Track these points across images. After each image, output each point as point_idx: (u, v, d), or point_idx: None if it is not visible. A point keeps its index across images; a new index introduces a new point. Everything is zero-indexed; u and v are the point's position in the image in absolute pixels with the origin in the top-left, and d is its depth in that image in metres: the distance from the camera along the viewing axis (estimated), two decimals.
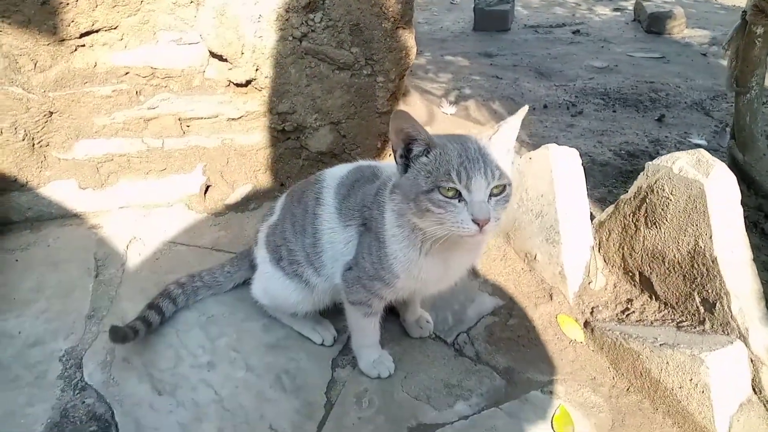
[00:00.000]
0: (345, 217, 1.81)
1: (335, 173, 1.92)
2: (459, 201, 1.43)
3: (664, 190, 1.94)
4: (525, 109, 1.53)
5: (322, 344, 2.08)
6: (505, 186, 1.47)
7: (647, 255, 2.07)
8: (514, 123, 1.52)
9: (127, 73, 2.57)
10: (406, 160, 1.53)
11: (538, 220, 2.37)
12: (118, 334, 1.92)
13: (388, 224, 1.66)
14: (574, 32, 7.09)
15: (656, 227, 2.01)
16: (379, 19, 2.58)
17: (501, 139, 1.51)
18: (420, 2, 8.45)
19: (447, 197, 1.43)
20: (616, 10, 8.23)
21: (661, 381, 1.83)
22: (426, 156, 1.49)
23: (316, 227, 1.86)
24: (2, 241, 2.51)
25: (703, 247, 1.83)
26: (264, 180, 2.85)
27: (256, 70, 2.59)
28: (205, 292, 2.23)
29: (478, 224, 1.40)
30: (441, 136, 1.53)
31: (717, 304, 1.81)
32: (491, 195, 1.44)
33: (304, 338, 2.10)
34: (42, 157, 2.58)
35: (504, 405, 1.87)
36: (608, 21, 7.68)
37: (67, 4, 2.38)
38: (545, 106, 4.65)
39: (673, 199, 1.92)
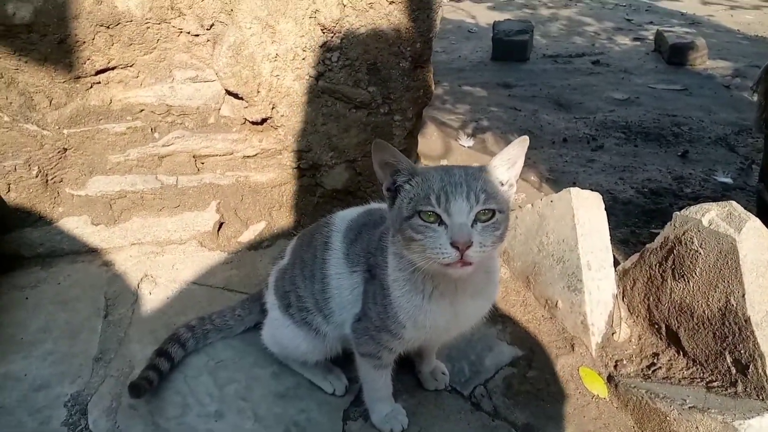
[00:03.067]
0: (352, 263, 1.75)
1: (345, 216, 1.88)
2: (439, 225, 1.37)
3: (693, 242, 1.86)
4: (524, 139, 1.47)
5: (333, 394, 2.01)
6: (494, 212, 1.39)
7: (674, 308, 1.98)
8: (510, 152, 1.47)
9: (142, 111, 2.55)
10: (393, 193, 1.49)
11: (560, 265, 2.29)
12: (137, 390, 1.87)
13: (390, 268, 1.60)
14: (593, 62, 7.04)
15: (684, 280, 1.92)
16: (397, 58, 2.54)
17: (493, 168, 1.47)
18: (437, 31, 8.46)
19: (427, 222, 1.37)
20: (636, 39, 8.18)
21: None
22: (409, 184, 1.45)
23: (324, 272, 1.80)
24: (13, 278, 2.48)
25: (735, 305, 1.74)
26: (278, 217, 2.81)
27: (272, 108, 2.56)
28: (215, 336, 2.18)
29: (458, 248, 1.33)
30: (431, 167, 1.49)
31: (750, 366, 1.72)
32: (477, 221, 1.37)
33: (315, 387, 2.03)
34: (55, 194, 2.57)
35: None
36: (628, 51, 7.62)
37: (84, 42, 2.37)
38: (565, 140, 4.58)
39: (702, 253, 1.84)
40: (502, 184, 1.49)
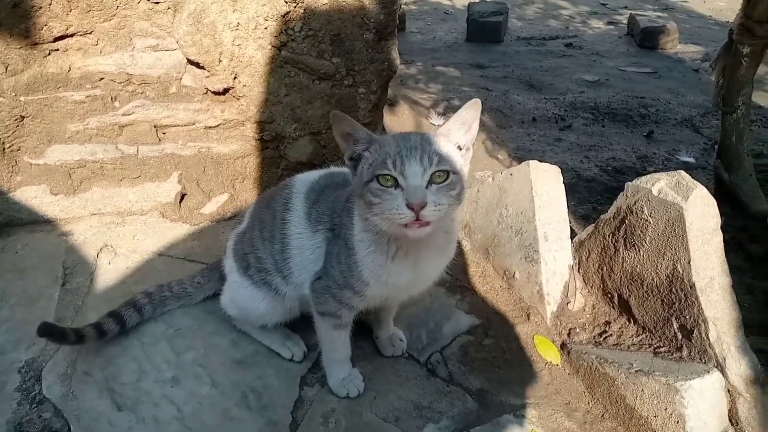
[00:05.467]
0: (314, 223, 1.78)
1: (305, 179, 1.90)
2: (395, 188, 1.43)
3: (643, 211, 1.90)
4: (476, 102, 1.50)
5: (291, 359, 2.02)
6: (448, 173, 1.44)
7: (626, 277, 2.02)
8: (463, 115, 1.50)
9: (101, 79, 2.51)
10: (354, 161, 1.54)
11: (518, 237, 2.32)
12: (51, 332, 1.86)
13: (356, 229, 1.64)
14: (566, 45, 7.08)
15: (635, 249, 1.96)
16: (361, 29, 2.54)
17: (447, 131, 1.51)
18: (413, 11, 8.43)
19: (385, 186, 1.43)
20: (610, 23, 8.23)
21: (636, 409, 1.78)
22: (368, 151, 1.50)
23: (284, 233, 1.82)
24: None
25: (681, 272, 1.78)
26: (241, 190, 2.80)
27: (234, 78, 2.54)
28: (174, 303, 2.17)
29: (413, 209, 1.38)
30: (390, 134, 1.52)
31: (695, 331, 1.77)
32: (432, 182, 1.42)
33: (272, 355, 2.04)
34: (13, 162, 2.52)
35: (475, 429, 1.81)
36: (602, 34, 7.68)
37: (40, 7, 2.33)
38: (534, 119, 4.62)
39: (651, 222, 1.87)
40: (460, 149, 1.53)
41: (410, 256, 1.62)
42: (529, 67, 6.10)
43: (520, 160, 3.74)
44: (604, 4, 9.24)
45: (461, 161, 1.52)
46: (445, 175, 1.43)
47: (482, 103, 1.51)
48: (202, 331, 2.12)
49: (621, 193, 2.02)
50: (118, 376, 1.93)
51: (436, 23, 8.10)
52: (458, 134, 1.52)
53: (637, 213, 1.93)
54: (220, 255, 2.30)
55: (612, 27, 8.07)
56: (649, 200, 1.88)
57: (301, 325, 2.05)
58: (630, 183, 2.00)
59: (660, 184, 1.87)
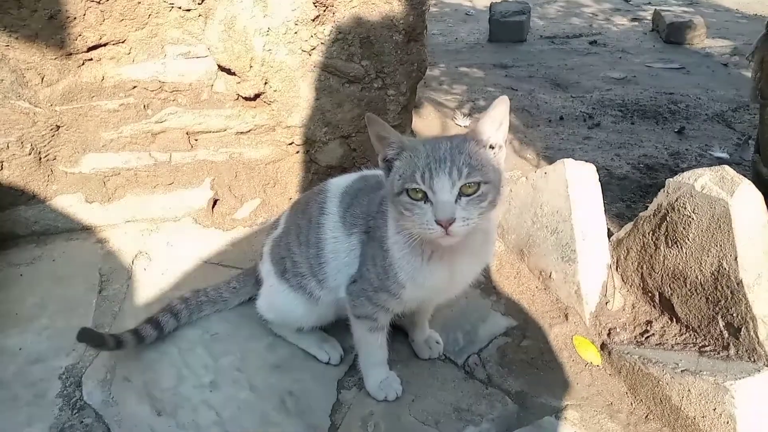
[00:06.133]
0: (349, 226, 1.78)
1: (339, 183, 1.90)
2: (425, 202, 1.42)
3: (685, 208, 1.86)
4: (504, 99, 1.46)
5: (328, 363, 2.02)
6: (479, 184, 1.41)
7: (668, 275, 1.98)
8: (494, 114, 1.47)
9: (134, 87, 2.54)
10: (388, 163, 1.53)
11: (554, 237, 2.29)
12: (91, 338, 1.88)
13: (390, 231, 1.64)
14: (591, 43, 7.00)
15: (677, 247, 1.92)
16: (390, 31, 2.53)
17: (479, 133, 1.48)
18: (435, 13, 8.41)
19: (414, 199, 1.43)
20: (634, 20, 8.13)
21: (682, 409, 1.74)
22: (399, 159, 1.49)
23: (319, 237, 1.82)
24: (8, 255, 2.49)
25: (727, 269, 1.74)
26: (272, 194, 2.80)
27: (265, 83, 2.55)
28: (210, 308, 2.18)
29: (441, 225, 1.38)
30: (424, 139, 1.51)
31: (742, 329, 1.72)
32: (462, 194, 1.40)
33: (309, 358, 2.04)
34: (49, 171, 2.56)
35: (516, 431, 1.79)
36: (626, 31, 7.58)
37: (75, 18, 2.36)
38: (561, 118, 4.56)
39: (695, 218, 1.83)
40: (492, 147, 1.50)
41: (445, 259, 1.61)
42: (554, 66, 6.04)
43: (549, 160, 3.70)
44: (626, 1, 9.13)
45: (494, 164, 1.49)
46: (476, 186, 1.41)
47: (508, 102, 1.48)
48: (238, 335, 2.13)
49: (662, 190, 1.98)
50: (157, 381, 1.94)
51: (457, 24, 8.07)
52: (490, 133, 1.49)
53: (679, 209, 1.89)
54: (253, 260, 2.32)
55: (636, 23, 7.96)
56: (692, 196, 1.84)
57: (336, 328, 2.04)
58: (671, 179, 1.96)
59: (703, 179, 1.82)
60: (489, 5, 7.54)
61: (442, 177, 1.39)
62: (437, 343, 2.06)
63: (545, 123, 4.48)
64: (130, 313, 2.20)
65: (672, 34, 6.90)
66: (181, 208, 2.69)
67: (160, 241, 2.59)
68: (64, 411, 1.83)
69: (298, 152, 2.76)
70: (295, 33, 2.48)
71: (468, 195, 1.41)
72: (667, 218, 1.95)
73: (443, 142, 1.47)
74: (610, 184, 3.40)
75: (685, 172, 1.94)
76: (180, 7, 2.46)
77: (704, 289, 1.85)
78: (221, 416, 1.82)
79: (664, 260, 1.99)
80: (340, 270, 1.80)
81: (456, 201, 1.40)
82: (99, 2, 2.38)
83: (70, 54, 2.44)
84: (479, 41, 7.18)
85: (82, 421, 1.80)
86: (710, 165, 3.66)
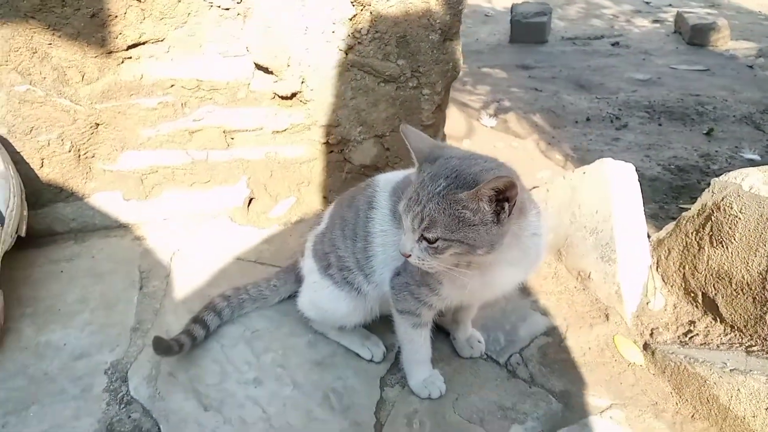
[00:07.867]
0: (398, 220, 1.77)
1: (389, 178, 1.90)
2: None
3: (732, 207, 1.85)
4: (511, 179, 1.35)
5: (371, 360, 2.02)
6: (436, 239, 1.42)
7: (712, 275, 1.97)
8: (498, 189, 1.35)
9: (172, 86, 2.56)
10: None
11: (593, 237, 2.28)
12: (162, 346, 1.90)
13: None
14: (613, 44, 6.97)
15: (723, 246, 1.91)
16: (427, 31, 2.53)
17: (481, 192, 1.36)
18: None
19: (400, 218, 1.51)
20: (655, 21, 8.08)
21: (731, 409, 1.73)
22: (417, 172, 1.54)
23: (368, 230, 1.83)
24: (48, 252, 2.51)
25: None
26: (306, 193, 2.82)
27: (302, 82, 2.56)
28: (250, 306, 2.19)
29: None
30: (440, 161, 1.48)
31: None
32: (423, 238, 1.44)
33: (350, 356, 2.04)
34: (87, 169, 2.59)
35: (562, 430, 1.78)
36: (648, 33, 7.54)
37: (116, 16, 2.38)
38: (588, 119, 4.55)
39: (742, 218, 1.82)
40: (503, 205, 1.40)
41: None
42: (577, 67, 6.02)
43: (580, 161, 3.69)
44: (647, 2, 9.08)
45: (483, 222, 1.39)
46: (433, 240, 1.42)
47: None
48: (279, 332, 2.14)
49: (706, 190, 1.97)
50: (202, 377, 1.95)
51: (477, 25, 8.07)
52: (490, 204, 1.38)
53: (725, 209, 1.88)
54: (290, 258, 2.33)
55: (658, 25, 7.92)
56: (739, 196, 1.83)
57: (377, 326, 2.05)
58: (716, 179, 1.94)
59: (751, 179, 1.81)
60: (510, 6, 7.53)
61: (408, 217, 1.45)
62: (479, 342, 2.06)
63: (572, 124, 4.46)
64: (170, 310, 2.22)
65: (695, 36, 6.86)
66: (218, 206, 2.70)
67: (197, 239, 2.60)
68: (111, 406, 1.84)
69: (332, 151, 2.77)
70: (333, 32, 2.49)
71: (429, 243, 1.43)
72: (712, 218, 1.94)
73: (435, 179, 1.42)
74: (641, 185, 3.31)
75: (730, 172, 1.93)
76: (219, 6, 2.48)
77: (751, 289, 1.83)
78: (267, 412, 1.83)
79: (708, 260, 1.98)
80: (386, 264, 1.81)
81: (418, 240, 1.45)
82: (140, 0, 2.40)
83: (111, 52, 2.46)
84: (500, 42, 7.17)
85: (130, 416, 1.81)
86: (741, 166, 3.64)
